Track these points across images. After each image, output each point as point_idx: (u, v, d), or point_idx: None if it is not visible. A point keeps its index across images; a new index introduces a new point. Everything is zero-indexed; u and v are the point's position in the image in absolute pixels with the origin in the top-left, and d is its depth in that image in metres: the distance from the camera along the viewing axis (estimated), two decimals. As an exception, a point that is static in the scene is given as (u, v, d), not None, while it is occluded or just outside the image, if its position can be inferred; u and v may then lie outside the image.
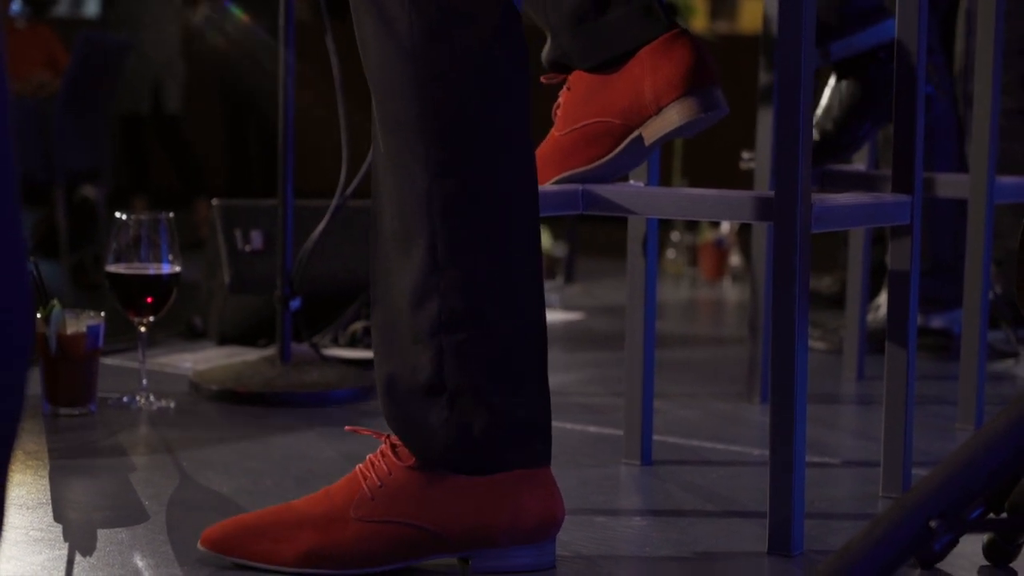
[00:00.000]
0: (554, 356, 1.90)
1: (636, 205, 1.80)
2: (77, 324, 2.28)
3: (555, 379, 1.96)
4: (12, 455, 0.94)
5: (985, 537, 1.62)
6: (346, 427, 1.68)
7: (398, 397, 1.54)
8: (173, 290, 2.34)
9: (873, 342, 2.87)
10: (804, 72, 1.64)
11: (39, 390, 2.28)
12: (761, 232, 2.51)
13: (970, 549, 1.63)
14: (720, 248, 4.41)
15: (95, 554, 1.59)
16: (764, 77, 2.49)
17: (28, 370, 0.95)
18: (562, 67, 1.86)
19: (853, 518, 1.84)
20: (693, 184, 3.56)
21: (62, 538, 1.65)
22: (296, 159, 2.53)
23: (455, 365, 1.51)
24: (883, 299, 3.05)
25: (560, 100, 1.86)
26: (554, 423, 1.58)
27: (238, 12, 6.14)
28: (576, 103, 1.83)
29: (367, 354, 2.70)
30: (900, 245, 1.86)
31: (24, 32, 6.40)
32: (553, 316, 3.42)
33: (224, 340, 2.92)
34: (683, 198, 1.78)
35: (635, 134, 1.79)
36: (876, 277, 3.18)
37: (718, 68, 1.78)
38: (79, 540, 1.65)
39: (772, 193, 1.67)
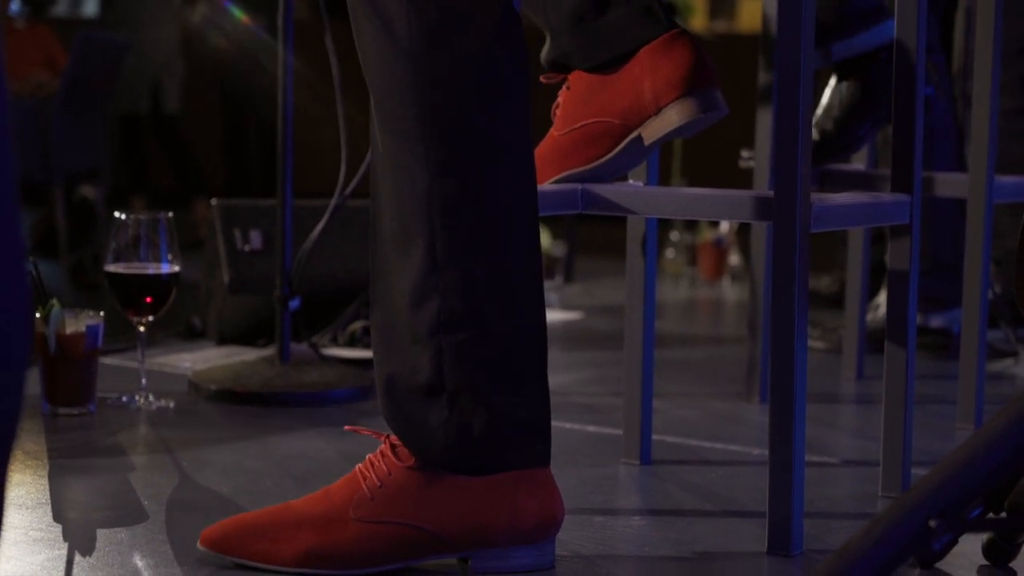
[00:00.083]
0: (553, 356, 1.90)
1: (635, 205, 1.80)
2: (76, 324, 2.28)
3: (554, 379, 1.96)
4: (11, 455, 0.94)
5: (984, 537, 1.62)
6: (345, 427, 1.68)
7: (397, 397, 1.54)
8: (172, 290, 2.33)
9: (872, 341, 2.87)
10: (803, 72, 1.64)
11: (38, 390, 2.28)
12: (760, 232, 2.51)
13: (969, 549, 1.63)
14: (719, 248, 4.41)
15: (94, 554, 1.59)
16: (763, 77, 2.49)
17: (27, 370, 0.95)
18: (561, 67, 1.86)
19: (852, 518, 1.84)
20: (692, 184, 3.57)
21: (61, 538, 1.65)
22: (295, 159, 2.53)
23: (455, 365, 1.51)
24: (882, 298, 3.05)
25: (559, 100, 1.86)
26: (553, 423, 1.58)
27: (237, 12, 6.14)
28: (575, 103, 1.83)
29: (366, 354, 2.70)
30: (899, 245, 1.86)
31: (23, 32, 6.40)
32: (552, 316, 3.42)
33: (223, 340, 2.92)
34: (682, 198, 1.78)
35: (634, 134, 1.79)
36: (875, 277, 3.18)
37: (717, 68, 1.78)
38: (78, 540, 1.65)
39: (771, 193, 1.67)
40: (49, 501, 1.81)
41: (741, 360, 2.69)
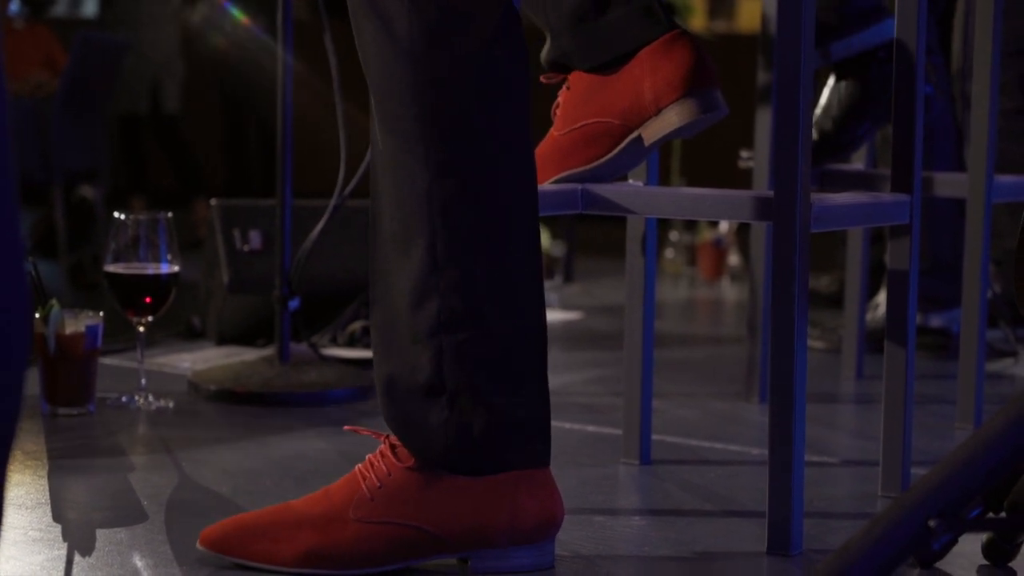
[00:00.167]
0: (553, 356, 1.90)
1: (635, 205, 1.80)
2: (76, 324, 2.28)
3: (554, 379, 1.96)
4: (11, 455, 0.94)
5: (984, 536, 1.62)
6: (345, 427, 1.68)
7: (397, 397, 1.54)
8: (172, 290, 2.33)
9: (872, 341, 2.87)
10: (803, 71, 1.64)
11: (38, 390, 2.28)
12: (760, 232, 2.51)
13: (969, 548, 1.63)
14: (719, 248, 4.41)
15: (94, 554, 1.59)
16: (763, 76, 2.49)
17: (26, 370, 0.95)
18: (561, 67, 1.86)
19: (852, 517, 1.84)
20: (692, 183, 3.56)
21: (61, 538, 1.65)
22: (295, 159, 2.53)
23: (455, 365, 1.51)
24: (882, 298, 3.05)
25: (559, 100, 1.86)
26: (553, 423, 1.58)
27: (237, 13, 6.13)
28: (575, 103, 1.83)
29: (366, 354, 2.70)
30: (899, 244, 1.86)
31: (22, 32, 6.40)
32: (552, 316, 3.42)
33: (223, 340, 2.92)
34: (682, 198, 1.78)
35: (634, 135, 1.79)
36: (875, 276, 3.18)
37: (718, 69, 1.78)
38: (78, 540, 1.65)
39: (771, 193, 1.67)
40: (49, 501, 1.81)
41: (741, 360, 2.69)
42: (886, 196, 1.85)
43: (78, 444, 2.13)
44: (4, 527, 0.96)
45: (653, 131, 1.78)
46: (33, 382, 2.28)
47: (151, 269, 2.32)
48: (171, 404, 2.37)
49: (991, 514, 1.55)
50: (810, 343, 3.01)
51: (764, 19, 2.49)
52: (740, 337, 3.07)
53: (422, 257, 1.50)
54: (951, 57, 3.16)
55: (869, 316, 3.01)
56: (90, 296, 4.63)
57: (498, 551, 1.53)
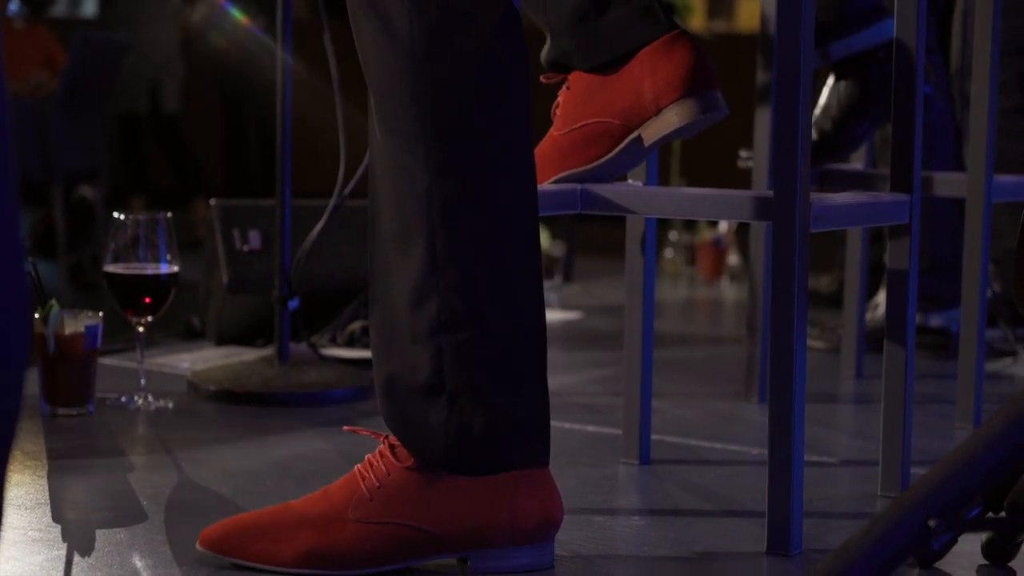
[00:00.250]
0: (552, 356, 1.90)
1: (635, 204, 1.80)
2: (75, 324, 2.28)
3: (554, 379, 1.96)
4: (10, 455, 0.94)
5: (984, 536, 1.62)
6: (344, 427, 1.68)
7: (397, 397, 1.54)
8: (171, 290, 2.33)
9: (871, 341, 2.87)
10: (803, 71, 1.64)
11: (37, 390, 2.28)
12: (759, 231, 2.51)
13: (969, 548, 1.63)
14: (718, 247, 4.41)
15: (94, 554, 1.59)
16: (762, 76, 2.49)
17: (26, 370, 0.94)
18: (561, 67, 1.86)
19: (852, 517, 1.84)
20: (691, 183, 3.57)
21: (60, 538, 1.65)
22: (294, 159, 2.53)
23: (454, 365, 1.51)
24: (881, 298, 3.05)
25: (559, 100, 1.86)
26: (552, 423, 1.58)
27: (237, 13, 6.13)
28: (575, 103, 1.83)
29: (365, 354, 2.70)
30: (899, 244, 1.86)
31: (22, 32, 6.40)
32: (552, 315, 3.42)
33: (222, 340, 2.92)
34: (681, 197, 1.78)
35: (634, 135, 1.79)
36: (874, 276, 3.18)
37: (718, 69, 1.78)
38: (78, 540, 1.65)
39: (771, 192, 1.67)
40: (48, 501, 1.81)
41: (740, 360, 2.69)
42: (885, 196, 1.85)
43: (78, 444, 2.13)
44: (4, 527, 0.96)
45: (653, 131, 1.78)
46: (33, 382, 2.28)
47: (151, 269, 2.32)
48: (171, 404, 2.37)
49: (991, 514, 1.55)
50: (810, 343, 3.01)
51: (763, 19, 2.49)
52: (740, 337, 3.07)
53: (422, 257, 1.50)
54: (950, 56, 3.16)
55: (869, 316, 3.01)
56: (90, 296, 4.63)
57: (498, 551, 1.53)
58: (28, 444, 2.10)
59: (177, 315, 2.84)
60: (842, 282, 3.33)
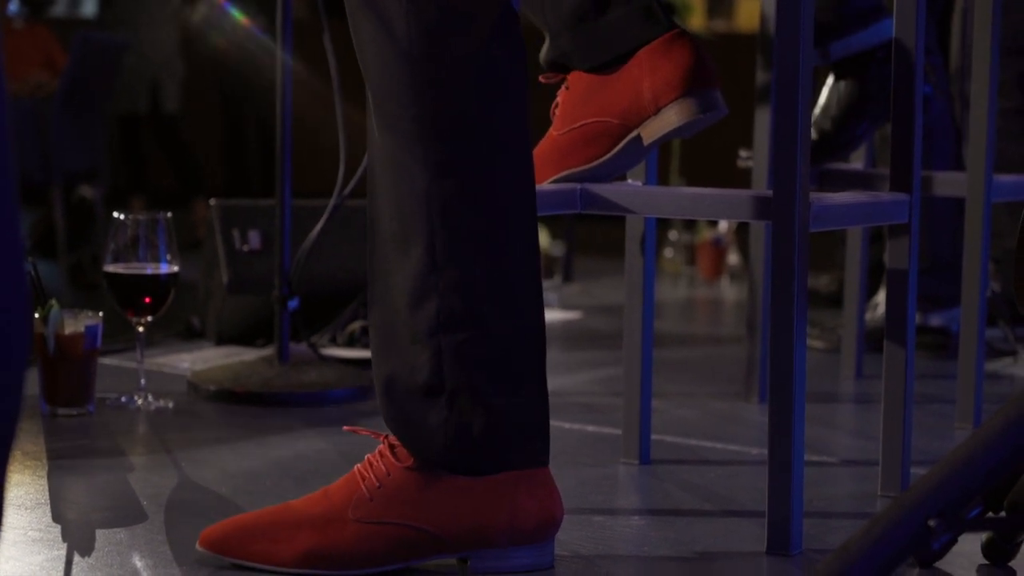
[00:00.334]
0: (552, 356, 1.89)
1: (634, 204, 1.80)
2: (75, 324, 2.28)
3: (554, 379, 1.96)
4: (10, 455, 0.94)
5: (984, 536, 1.62)
6: (344, 427, 1.68)
7: (397, 397, 1.54)
8: (171, 290, 2.34)
9: (871, 341, 2.87)
10: (802, 71, 1.64)
11: (37, 390, 2.28)
12: (759, 231, 2.51)
13: (969, 548, 1.63)
14: (718, 247, 4.41)
15: (93, 554, 1.59)
16: (761, 76, 2.49)
17: (26, 370, 0.94)
18: (561, 67, 1.86)
19: (852, 517, 1.84)
20: (691, 183, 3.56)
21: (60, 538, 1.65)
22: (294, 159, 2.53)
23: (454, 365, 1.51)
24: (881, 298, 3.05)
25: (558, 100, 1.85)
26: (552, 423, 1.59)
27: (237, 13, 6.13)
28: (574, 103, 1.83)
29: (365, 354, 2.70)
30: (898, 244, 1.86)
31: (22, 32, 6.39)
32: (551, 315, 3.42)
33: (222, 340, 2.92)
34: (681, 197, 1.78)
35: (633, 134, 1.79)
36: (874, 276, 3.18)
37: (717, 69, 1.78)
38: (77, 540, 1.65)
39: (770, 192, 1.67)
40: (48, 501, 1.81)
41: (740, 360, 2.69)
42: (885, 195, 1.85)
43: (78, 444, 2.13)
44: (4, 527, 0.96)
45: (652, 131, 1.78)
46: (33, 382, 2.28)
47: (150, 269, 2.32)
48: (171, 404, 2.37)
49: (991, 514, 1.55)
50: (809, 343, 3.01)
51: (763, 19, 2.49)
52: (739, 337, 3.07)
53: (421, 257, 1.50)
54: (950, 56, 3.16)
55: (868, 315, 3.01)
56: (89, 296, 4.63)
57: (498, 551, 1.53)
58: (28, 444, 2.10)
59: (177, 315, 2.84)
60: (842, 282, 3.33)
